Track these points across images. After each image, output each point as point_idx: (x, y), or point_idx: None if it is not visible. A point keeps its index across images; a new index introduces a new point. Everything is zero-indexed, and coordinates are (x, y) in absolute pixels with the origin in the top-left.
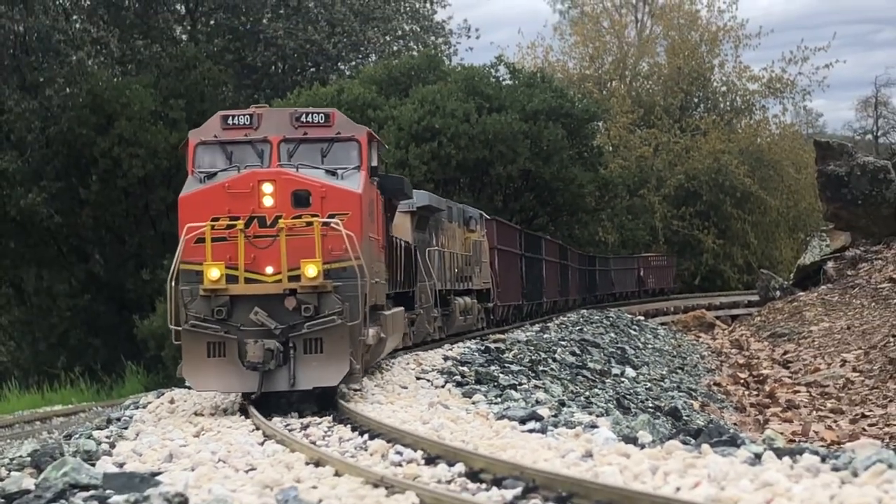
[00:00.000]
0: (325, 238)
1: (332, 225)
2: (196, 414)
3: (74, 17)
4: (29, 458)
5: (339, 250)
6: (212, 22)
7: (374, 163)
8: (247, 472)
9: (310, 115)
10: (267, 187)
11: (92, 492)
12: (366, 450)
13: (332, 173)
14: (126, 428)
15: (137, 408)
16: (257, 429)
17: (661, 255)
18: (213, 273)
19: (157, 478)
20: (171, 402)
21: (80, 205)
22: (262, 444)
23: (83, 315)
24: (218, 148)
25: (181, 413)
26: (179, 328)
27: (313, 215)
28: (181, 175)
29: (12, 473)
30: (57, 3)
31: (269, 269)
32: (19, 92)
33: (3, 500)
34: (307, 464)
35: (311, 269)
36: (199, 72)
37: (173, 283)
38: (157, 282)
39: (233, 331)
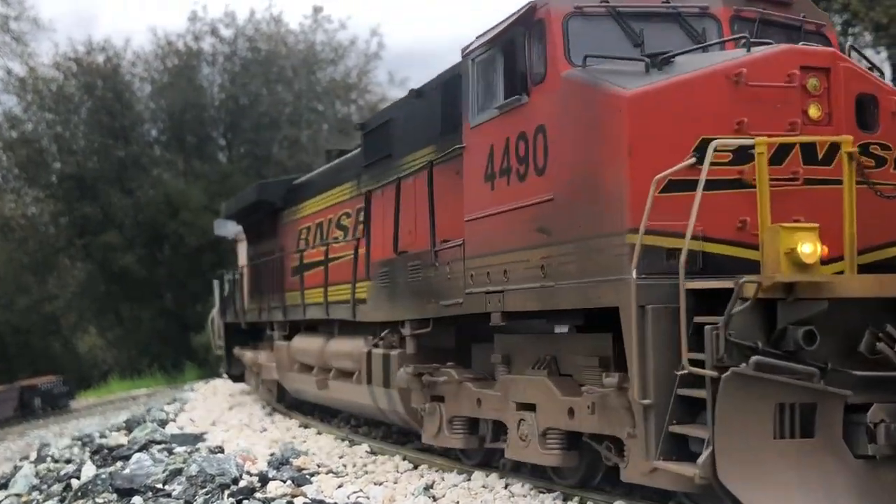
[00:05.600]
0: None
1: None
2: (230, 395)
3: (155, 146)
4: (124, 423)
5: None
6: (241, 150)
7: None
8: (261, 432)
9: None
10: (813, 82)
11: (163, 445)
12: None
13: None
14: (185, 404)
15: (193, 391)
16: (268, 404)
17: None
18: (806, 248)
19: (205, 436)
20: (214, 388)
21: (158, 264)
22: (270, 414)
23: (159, 333)
24: (611, 22)
25: (220, 395)
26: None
27: (883, 146)
28: (223, 244)
29: (113, 433)
30: (144, 139)
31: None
32: (119, 193)
33: (107, 450)
34: (299, 426)
35: None
36: (232, 180)
37: (634, 274)
38: (205, 312)
39: (834, 378)
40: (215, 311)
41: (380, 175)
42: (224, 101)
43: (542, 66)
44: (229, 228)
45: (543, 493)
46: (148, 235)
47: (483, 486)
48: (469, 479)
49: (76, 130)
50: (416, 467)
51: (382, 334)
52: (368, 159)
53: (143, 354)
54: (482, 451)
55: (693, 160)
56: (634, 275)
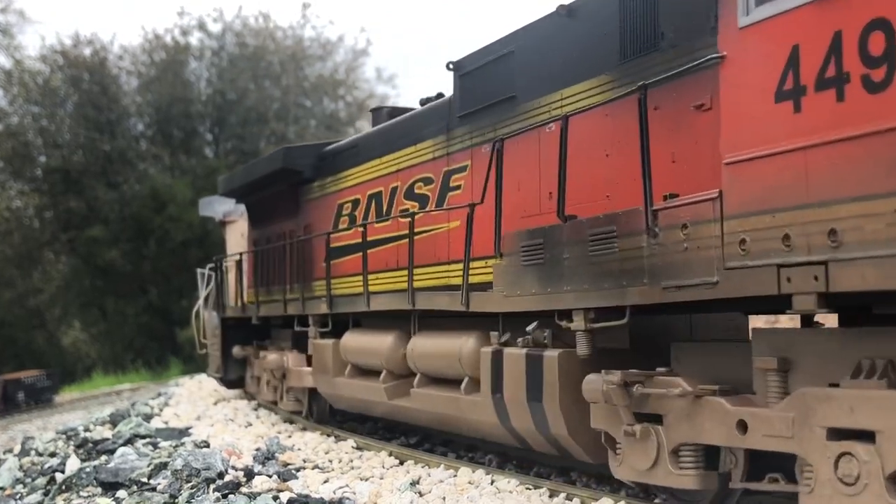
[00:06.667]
0: None
1: None
2: (215, 390)
3: (142, 141)
4: (108, 418)
5: None
6: (228, 146)
7: None
8: (246, 427)
9: None
10: None
11: (148, 439)
12: None
13: None
14: (170, 398)
15: (177, 386)
16: (253, 399)
17: None
18: None
19: (190, 430)
20: (199, 383)
21: (143, 259)
22: (255, 409)
23: (144, 328)
24: None
25: (205, 390)
26: None
27: None
28: (209, 238)
29: (97, 427)
30: (130, 133)
31: None
32: (105, 187)
33: (91, 444)
34: (285, 422)
35: None
36: (218, 175)
37: None
38: (191, 307)
39: None
40: (202, 305)
41: (495, 125)
42: (211, 96)
43: None
44: (216, 208)
45: (530, 489)
46: (133, 230)
47: (469, 482)
48: (455, 475)
49: (62, 124)
50: (402, 463)
51: (529, 328)
52: (468, 107)
53: (127, 349)
54: (716, 494)
55: None
56: None
